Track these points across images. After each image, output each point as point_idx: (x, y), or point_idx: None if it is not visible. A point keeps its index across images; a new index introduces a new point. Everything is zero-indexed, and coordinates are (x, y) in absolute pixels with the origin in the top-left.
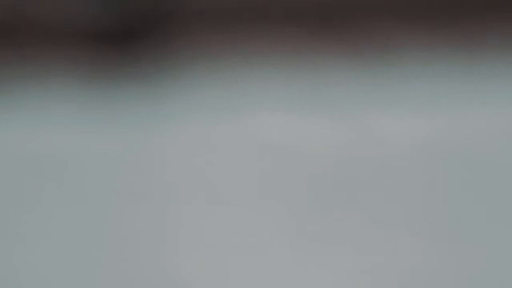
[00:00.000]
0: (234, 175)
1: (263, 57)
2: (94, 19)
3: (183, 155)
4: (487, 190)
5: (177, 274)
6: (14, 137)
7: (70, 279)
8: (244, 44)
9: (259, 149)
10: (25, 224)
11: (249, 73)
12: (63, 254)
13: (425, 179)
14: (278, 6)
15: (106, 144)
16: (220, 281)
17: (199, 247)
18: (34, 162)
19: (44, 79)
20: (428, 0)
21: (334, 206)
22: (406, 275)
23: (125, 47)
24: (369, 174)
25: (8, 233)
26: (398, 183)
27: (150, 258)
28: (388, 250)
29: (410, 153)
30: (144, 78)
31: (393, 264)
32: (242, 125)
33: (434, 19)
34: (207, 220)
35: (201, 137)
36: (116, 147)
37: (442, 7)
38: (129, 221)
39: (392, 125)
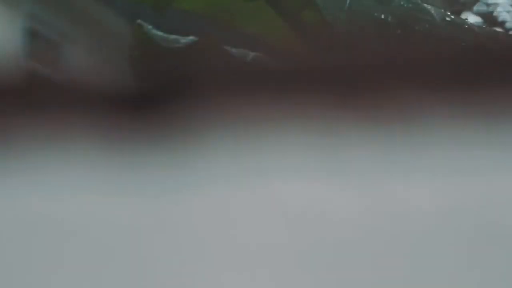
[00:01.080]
0: (254, 242)
1: (284, 123)
2: (116, 82)
3: (202, 222)
4: None
5: None
6: (33, 201)
7: None
8: (265, 110)
9: (280, 215)
10: None
11: (269, 139)
12: None
13: (448, 247)
14: (298, 72)
15: (125, 210)
16: None
17: None
18: (54, 227)
19: (64, 142)
20: (450, 67)
21: (355, 273)
22: None
23: (145, 111)
24: (389, 241)
25: None
26: (420, 251)
27: None
28: None
29: (432, 221)
30: (163, 143)
31: None
32: (261, 192)
33: (456, 86)
34: (227, 286)
35: (220, 204)
36: (136, 213)
37: (464, 74)
38: (149, 286)
39: (413, 193)
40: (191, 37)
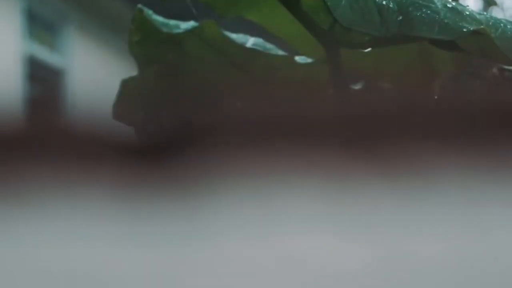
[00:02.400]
0: None
1: (297, 174)
2: (127, 132)
3: (215, 272)
4: None
5: None
6: (43, 250)
7: None
8: (278, 161)
9: (291, 268)
10: None
11: (282, 190)
12: None
13: None
14: (312, 124)
15: (135, 260)
16: None
17: None
18: (63, 277)
19: (75, 192)
20: (463, 121)
21: None
22: None
23: (155, 160)
24: None
25: None
26: None
27: None
28: None
29: (443, 274)
30: (174, 193)
31: None
32: (272, 244)
33: (469, 140)
34: None
35: (233, 255)
36: (146, 263)
37: (476, 128)
38: None
39: (425, 246)
40: (191, 22)
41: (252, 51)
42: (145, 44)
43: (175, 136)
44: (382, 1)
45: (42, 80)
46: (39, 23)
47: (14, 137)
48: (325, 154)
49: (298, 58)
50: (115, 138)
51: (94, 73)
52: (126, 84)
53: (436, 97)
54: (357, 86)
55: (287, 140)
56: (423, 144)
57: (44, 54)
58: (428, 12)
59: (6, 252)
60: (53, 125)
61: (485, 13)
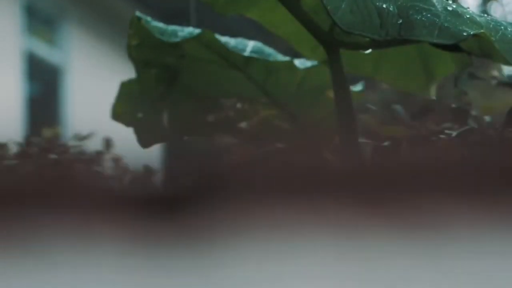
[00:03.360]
0: None
1: (310, 229)
2: (143, 185)
3: None
4: None
5: None
6: None
7: None
8: (291, 216)
9: None
10: None
11: (296, 246)
12: None
13: None
14: (325, 179)
15: None
16: None
17: None
18: None
19: (93, 244)
20: (476, 177)
21: None
22: None
23: (171, 214)
24: None
25: None
26: None
27: None
28: None
29: None
30: (189, 247)
31: None
32: None
33: (482, 196)
34: None
35: None
36: None
37: (489, 184)
38: None
39: None
40: (189, 29)
41: (251, 58)
42: (143, 48)
43: (188, 189)
44: (382, 5)
45: (41, 76)
46: (39, 18)
47: (30, 189)
48: (341, 209)
49: (298, 62)
50: (130, 190)
51: (94, 69)
52: (125, 86)
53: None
54: (357, 88)
55: (303, 195)
56: (438, 199)
57: (43, 50)
58: (428, 15)
59: None
60: (67, 177)
61: (485, 15)
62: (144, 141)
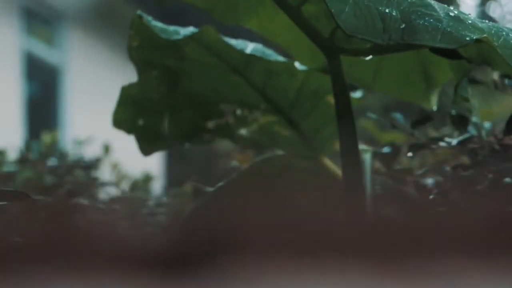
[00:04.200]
0: None
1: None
2: (155, 243)
3: None
4: None
5: None
6: None
7: None
8: (304, 277)
9: None
10: None
11: None
12: None
13: None
14: (340, 240)
15: None
16: None
17: None
18: None
19: None
20: (491, 237)
21: None
22: None
23: (179, 272)
24: None
25: None
26: None
27: None
28: None
29: None
30: None
31: None
32: None
33: (497, 255)
34: None
35: None
36: None
37: (502, 243)
38: None
39: None
40: (190, 28)
41: (251, 57)
42: (144, 49)
43: (200, 248)
44: (385, 9)
45: (40, 76)
46: (38, 19)
47: (40, 247)
48: (355, 269)
49: (298, 64)
50: (141, 247)
51: (93, 69)
52: (125, 90)
53: (434, 107)
54: (357, 94)
55: (315, 255)
56: (455, 259)
57: (42, 50)
58: (431, 20)
59: None
60: (77, 234)
61: (486, 21)
62: (145, 149)
